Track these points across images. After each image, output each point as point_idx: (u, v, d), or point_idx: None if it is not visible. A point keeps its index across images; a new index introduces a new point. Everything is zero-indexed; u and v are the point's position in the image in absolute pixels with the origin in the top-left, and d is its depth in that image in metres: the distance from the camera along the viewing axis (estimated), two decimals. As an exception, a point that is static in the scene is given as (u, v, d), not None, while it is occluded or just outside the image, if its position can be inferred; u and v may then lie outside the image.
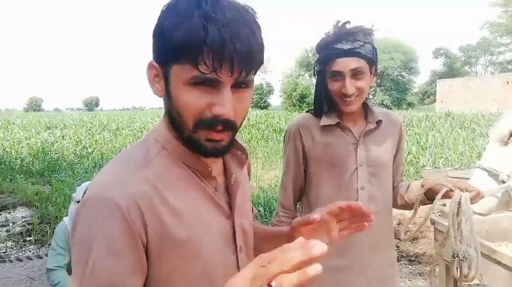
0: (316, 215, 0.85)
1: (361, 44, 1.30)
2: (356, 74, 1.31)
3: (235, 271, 0.80)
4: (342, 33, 1.31)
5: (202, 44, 0.64)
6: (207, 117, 0.69)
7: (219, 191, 0.81)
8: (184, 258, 0.72)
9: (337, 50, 1.31)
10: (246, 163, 0.89)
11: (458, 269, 1.27)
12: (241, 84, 0.70)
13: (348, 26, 1.32)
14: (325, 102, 1.40)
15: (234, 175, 0.83)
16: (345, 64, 1.30)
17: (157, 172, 0.73)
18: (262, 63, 0.72)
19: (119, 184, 0.69)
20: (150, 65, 0.73)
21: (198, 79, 0.67)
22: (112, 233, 0.65)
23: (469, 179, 1.71)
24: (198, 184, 0.77)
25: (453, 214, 1.26)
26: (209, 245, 0.76)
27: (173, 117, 0.74)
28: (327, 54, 1.33)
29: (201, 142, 0.72)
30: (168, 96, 0.73)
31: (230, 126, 0.71)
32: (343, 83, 1.32)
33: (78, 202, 2.55)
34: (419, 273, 3.66)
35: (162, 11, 0.71)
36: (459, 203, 1.25)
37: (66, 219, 2.72)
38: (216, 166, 0.81)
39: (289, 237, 0.90)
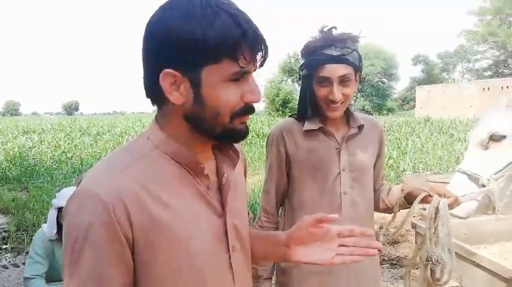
0: (334, 215, 0.89)
1: (350, 51, 1.30)
2: (344, 80, 1.32)
3: (227, 270, 0.82)
4: (332, 39, 1.31)
5: (241, 40, 0.69)
6: (241, 106, 0.75)
7: (211, 190, 0.82)
8: (176, 252, 0.74)
9: (326, 55, 1.30)
10: (239, 163, 0.91)
11: (432, 273, 1.30)
12: (255, 70, 0.76)
13: (334, 31, 1.33)
14: (310, 107, 1.40)
15: (225, 175, 0.84)
16: (334, 70, 1.30)
17: (148, 169, 0.75)
18: None
19: (106, 180, 0.71)
20: (166, 74, 0.72)
21: (238, 74, 0.72)
22: (94, 227, 0.68)
23: (447, 183, 1.75)
24: (190, 181, 0.78)
25: (430, 218, 1.28)
26: (200, 241, 0.77)
27: (203, 119, 0.75)
28: (315, 59, 1.32)
29: (238, 128, 0.77)
30: (196, 100, 0.73)
31: (254, 110, 0.78)
32: (330, 89, 1.32)
33: (59, 208, 2.50)
34: (400, 276, 3.70)
35: (170, 13, 0.70)
36: (437, 208, 1.27)
37: (44, 226, 2.65)
38: (208, 166, 0.82)
39: (286, 246, 0.93)
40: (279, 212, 1.55)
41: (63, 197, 2.60)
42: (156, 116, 0.81)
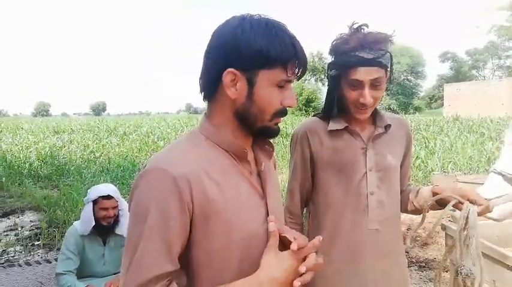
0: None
1: (383, 53, 1.26)
2: (375, 83, 1.28)
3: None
4: (366, 41, 1.25)
5: (293, 56, 0.88)
6: (280, 108, 0.92)
7: (253, 176, 0.97)
8: (227, 229, 0.87)
9: (359, 58, 1.25)
10: (273, 156, 1.08)
11: (463, 284, 1.26)
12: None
13: (366, 29, 1.28)
14: (336, 106, 1.38)
15: (263, 163, 1.00)
16: (366, 74, 1.26)
17: (203, 155, 0.90)
18: None
19: (173, 161, 0.86)
20: (229, 72, 0.89)
21: (283, 82, 0.90)
22: (166, 200, 0.81)
23: (478, 183, 1.69)
24: (236, 167, 0.93)
25: (460, 229, 1.25)
26: (247, 220, 0.90)
27: (249, 113, 0.91)
28: (348, 61, 1.27)
29: (273, 127, 0.95)
30: (248, 97, 0.90)
31: (287, 113, 0.95)
32: (361, 92, 1.28)
33: (94, 200, 2.64)
34: (429, 279, 3.61)
35: (241, 27, 0.88)
36: (467, 218, 1.24)
37: (76, 223, 2.73)
38: (249, 156, 0.97)
39: None
40: (303, 213, 1.54)
41: (96, 190, 2.69)
42: (205, 113, 0.98)
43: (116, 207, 2.66)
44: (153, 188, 0.82)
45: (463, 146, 10.76)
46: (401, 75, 45.62)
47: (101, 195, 2.62)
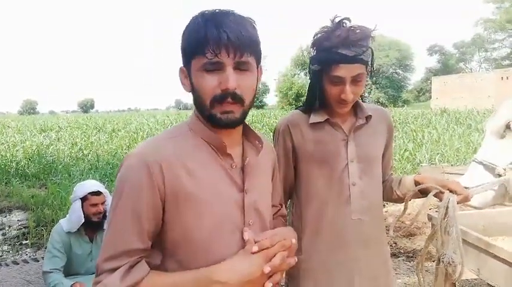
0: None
1: (365, 50, 1.27)
2: (356, 80, 1.29)
3: (242, 241, 0.95)
4: (348, 40, 1.25)
5: (204, 38, 0.88)
6: (218, 93, 0.91)
7: (235, 169, 0.99)
8: (198, 216, 0.91)
9: (341, 55, 1.25)
10: (267, 158, 1.11)
11: (445, 272, 1.29)
12: (241, 66, 0.91)
13: (347, 24, 1.28)
14: (318, 100, 1.39)
15: (248, 158, 1.01)
16: (348, 71, 1.27)
17: (182, 144, 0.95)
18: (256, 51, 0.95)
19: (150, 148, 0.93)
20: (180, 69, 0.98)
21: (206, 65, 0.90)
22: (138, 182, 0.89)
23: (464, 174, 1.71)
24: (216, 159, 0.97)
25: (441, 219, 1.27)
26: (220, 210, 0.93)
27: (197, 103, 0.96)
28: (330, 58, 1.28)
29: (218, 116, 0.93)
30: (192, 88, 0.95)
31: (238, 98, 0.91)
32: (342, 89, 1.29)
33: (82, 197, 2.62)
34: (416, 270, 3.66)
35: (186, 25, 0.94)
36: (447, 207, 1.26)
37: (62, 221, 2.71)
38: (234, 150, 1.00)
39: None
40: (287, 206, 1.54)
41: (83, 187, 2.66)
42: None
43: (104, 202, 2.64)
44: (128, 172, 0.91)
45: (451, 138, 10.90)
46: (390, 69, 45.95)
47: (90, 191, 2.60)
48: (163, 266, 0.93)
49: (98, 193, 2.61)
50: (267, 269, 0.90)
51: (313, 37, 1.34)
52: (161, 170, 0.89)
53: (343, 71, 1.27)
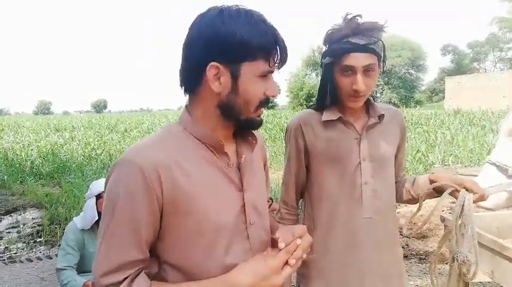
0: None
1: (376, 40, 1.27)
2: (368, 70, 1.28)
3: (245, 240, 0.94)
4: (359, 28, 1.26)
5: (275, 47, 0.89)
6: (263, 99, 0.92)
7: (232, 168, 0.96)
8: (198, 219, 0.87)
9: (352, 44, 1.26)
10: (259, 154, 1.08)
11: (458, 271, 1.27)
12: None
13: (359, 19, 1.29)
14: (330, 96, 1.38)
15: (244, 155, 0.98)
16: (359, 59, 1.26)
17: (177, 146, 0.90)
18: None
19: (143, 152, 0.87)
20: (212, 66, 0.88)
21: (266, 72, 0.90)
22: (134, 189, 0.83)
23: (477, 176, 1.69)
24: (212, 159, 0.93)
25: (456, 217, 1.25)
26: (220, 211, 0.90)
27: (234, 106, 0.90)
28: (341, 47, 1.28)
29: (256, 119, 0.95)
30: (233, 90, 0.89)
31: (269, 103, 0.97)
32: (354, 79, 1.28)
33: (97, 195, 2.63)
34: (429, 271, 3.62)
35: (220, 19, 0.86)
36: (463, 205, 1.24)
37: (76, 219, 2.74)
38: (229, 148, 0.97)
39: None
40: (299, 205, 1.54)
41: (99, 184, 2.68)
42: (186, 105, 0.97)
43: None
44: (122, 178, 0.85)
45: (464, 139, 10.74)
46: (402, 69, 45.43)
47: None
48: (161, 274, 0.90)
49: None
50: (292, 261, 0.88)
51: (326, 33, 1.35)
52: (158, 175, 0.84)
53: (355, 60, 1.27)
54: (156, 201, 0.84)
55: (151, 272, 0.89)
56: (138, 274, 0.85)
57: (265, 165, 1.15)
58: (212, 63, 0.87)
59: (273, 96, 0.93)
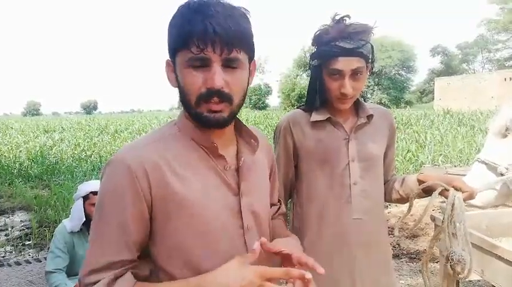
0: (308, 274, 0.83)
1: (364, 43, 1.27)
2: (356, 73, 1.28)
3: (241, 246, 0.90)
4: (347, 31, 1.26)
5: (189, 31, 0.81)
6: (204, 91, 0.84)
7: (229, 171, 0.92)
8: (189, 222, 0.85)
9: (339, 48, 1.26)
10: (264, 156, 1.04)
11: (452, 269, 1.28)
12: (230, 63, 0.84)
13: (347, 20, 1.29)
14: (318, 97, 1.38)
15: (243, 158, 0.95)
16: (347, 63, 1.26)
17: (170, 146, 0.88)
18: (248, 46, 0.87)
19: (134, 152, 0.86)
20: (167, 62, 0.90)
21: (192, 60, 0.82)
22: (121, 188, 0.82)
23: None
24: (207, 161, 0.90)
25: (448, 216, 1.25)
26: (214, 215, 0.87)
27: (182, 99, 0.88)
28: (328, 51, 1.28)
29: (204, 114, 0.85)
30: (177, 83, 0.88)
31: (225, 97, 0.84)
32: (341, 83, 1.29)
33: (84, 196, 2.60)
34: (420, 270, 3.65)
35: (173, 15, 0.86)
36: (453, 204, 1.24)
37: (65, 221, 2.71)
38: (228, 150, 0.94)
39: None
40: (288, 205, 1.54)
41: (86, 185, 2.66)
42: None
43: None
44: (111, 177, 0.84)
45: (454, 139, 10.86)
46: (393, 70, 45.78)
47: (92, 191, 2.60)
48: (153, 277, 0.88)
49: None
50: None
51: (314, 34, 1.34)
52: (145, 173, 0.82)
53: (342, 64, 1.27)
54: (144, 199, 0.83)
55: (142, 274, 0.86)
56: (123, 274, 0.82)
57: (272, 168, 1.11)
58: (167, 59, 0.90)
59: (210, 87, 0.82)
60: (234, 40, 0.82)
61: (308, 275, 0.81)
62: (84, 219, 2.59)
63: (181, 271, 0.85)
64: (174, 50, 0.86)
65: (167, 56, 0.91)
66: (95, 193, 2.60)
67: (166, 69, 0.91)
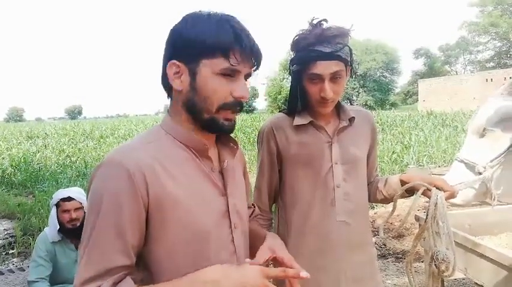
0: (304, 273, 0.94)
1: (341, 46, 1.27)
2: (335, 77, 1.29)
3: (230, 244, 0.95)
4: (324, 35, 1.27)
5: (234, 43, 0.86)
6: (230, 100, 0.90)
7: (215, 172, 0.96)
8: (185, 224, 0.87)
9: (317, 52, 1.26)
10: (239, 160, 1.08)
11: (437, 268, 1.29)
12: (248, 77, 0.93)
13: (325, 24, 1.30)
14: (300, 101, 1.39)
15: (226, 160, 0.99)
16: (326, 67, 1.27)
17: (162, 149, 0.90)
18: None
19: (129, 153, 0.86)
20: (171, 64, 0.90)
21: (226, 69, 0.88)
22: (119, 192, 0.81)
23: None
24: (196, 163, 0.93)
25: (432, 216, 1.27)
26: (206, 215, 0.90)
27: (194, 104, 0.90)
28: (307, 55, 1.28)
29: (221, 121, 0.91)
30: (192, 87, 0.90)
31: (242, 107, 0.93)
32: (321, 87, 1.30)
33: (56, 204, 2.55)
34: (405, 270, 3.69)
35: (185, 20, 0.91)
36: (436, 204, 1.26)
37: (47, 229, 2.66)
38: (212, 153, 0.97)
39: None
40: (272, 209, 1.54)
41: (58, 193, 2.64)
42: (168, 108, 0.98)
43: (79, 208, 2.59)
44: (107, 180, 0.83)
45: (437, 139, 11.05)
46: (377, 72, 46.34)
47: (61, 197, 2.57)
48: (147, 282, 0.86)
49: (68, 199, 2.57)
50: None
51: (292, 39, 1.35)
52: (144, 177, 0.82)
53: (321, 68, 1.27)
54: (142, 203, 0.83)
55: (137, 278, 0.86)
56: (122, 279, 0.81)
57: (244, 171, 1.16)
58: (171, 61, 0.90)
59: (240, 98, 0.90)
60: (260, 58, 0.93)
61: (304, 273, 0.91)
62: (58, 227, 2.55)
63: (174, 268, 0.86)
64: (199, 55, 0.88)
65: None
66: (64, 200, 2.57)
67: (169, 71, 0.91)
